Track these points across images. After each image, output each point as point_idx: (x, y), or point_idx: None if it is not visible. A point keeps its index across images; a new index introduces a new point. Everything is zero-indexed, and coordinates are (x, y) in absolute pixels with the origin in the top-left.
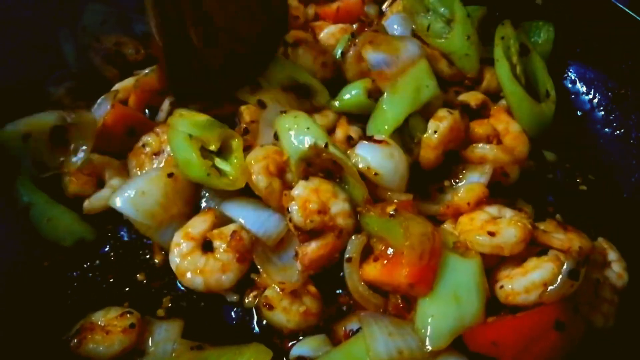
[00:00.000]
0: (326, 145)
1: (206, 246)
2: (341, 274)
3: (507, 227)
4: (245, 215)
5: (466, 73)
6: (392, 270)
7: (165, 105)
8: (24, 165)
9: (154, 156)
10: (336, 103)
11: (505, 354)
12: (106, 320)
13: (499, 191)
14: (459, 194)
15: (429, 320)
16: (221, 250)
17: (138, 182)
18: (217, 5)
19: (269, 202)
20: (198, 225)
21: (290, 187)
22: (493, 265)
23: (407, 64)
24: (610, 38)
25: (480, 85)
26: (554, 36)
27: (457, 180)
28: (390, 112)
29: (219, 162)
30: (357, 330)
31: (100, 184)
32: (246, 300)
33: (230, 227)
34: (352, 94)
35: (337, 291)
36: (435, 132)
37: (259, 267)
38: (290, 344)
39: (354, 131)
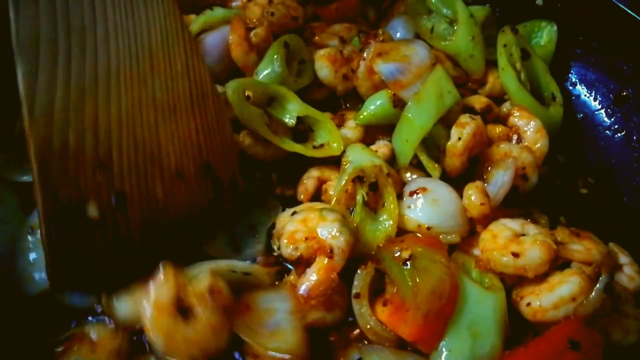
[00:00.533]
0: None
1: (183, 312)
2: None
3: (531, 247)
4: None
5: (472, 74)
6: (396, 322)
7: None
8: None
9: None
10: (361, 115)
11: None
12: (99, 336)
13: (511, 199)
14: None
15: (444, 354)
16: (204, 312)
17: None
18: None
19: None
20: (164, 292)
21: None
22: (514, 282)
23: (420, 68)
24: (610, 39)
25: (484, 87)
26: (556, 36)
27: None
28: (418, 120)
29: None
30: None
31: None
32: None
33: (202, 282)
34: (377, 105)
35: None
36: (459, 138)
37: (247, 339)
38: None
39: (384, 145)
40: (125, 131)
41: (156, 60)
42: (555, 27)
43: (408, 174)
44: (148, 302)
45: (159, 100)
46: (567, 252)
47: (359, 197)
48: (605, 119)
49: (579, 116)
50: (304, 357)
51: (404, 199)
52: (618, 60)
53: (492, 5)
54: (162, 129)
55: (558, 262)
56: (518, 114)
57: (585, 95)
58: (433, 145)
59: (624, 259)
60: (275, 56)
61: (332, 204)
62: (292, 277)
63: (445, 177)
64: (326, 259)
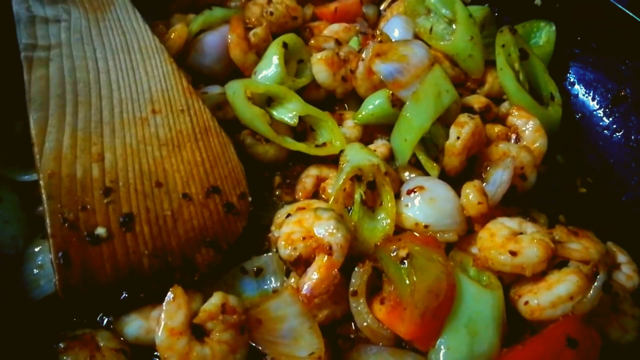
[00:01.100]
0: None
1: (196, 332)
2: None
3: (529, 245)
4: None
5: (471, 74)
6: (394, 320)
7: None
8: None
9: None
10: (360, 115)
11: None
12: (105, 345)
13: (510, 198)
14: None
15: (442, 352)
16: (218, 330)
17: None
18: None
19: None
20: (176, 315)
21: None
22: (512, 280)
23: (419, 68)
24: (609, 39)
25: (482, 87)
26: (555, 36)
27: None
28: (417, 119)
29: None
30: None
31: None
32: None
33: (214, 302)
34: (375, 104)
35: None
36: (458, 138)
37: (271, 355)
38: None
39: (382, 145)
40: (130, 162)
41: (157, 104)
42: (554, 27)
43: (406, 173)
44: (159, 325)
45: (162, 136)
46: (565, 250)
47: (357, 196)
48: (604, 119)
49: (577, 116)
50: (330, 356)
51: (402, 197)
52: (616, 61)
53: (491, 5)
54: (167, 161)
55: (556, 261)
56: (517, 113)
57: (583, 95)
58: (432, 144)
59: (622, 257)
60: (274, 56)
61: (330, 202)
62: (292, 280)
63: (444, 176)
64: (325, 256)
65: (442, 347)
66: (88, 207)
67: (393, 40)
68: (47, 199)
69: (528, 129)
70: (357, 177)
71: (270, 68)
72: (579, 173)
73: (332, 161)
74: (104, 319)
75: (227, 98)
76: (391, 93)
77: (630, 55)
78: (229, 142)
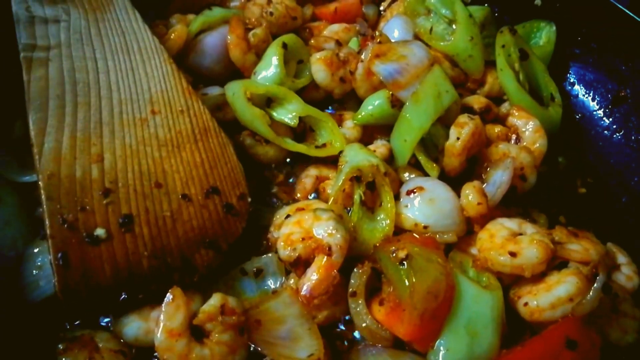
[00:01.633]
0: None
1: (195, 333)
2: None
3: (528, 246)
4: None
5: (471, 75)
6: (393, 321)
7: None
8: None
9: None
10: (359, 115)
11: None
12: (104, 346)
13: (510, 198)
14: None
15: (441, 353)
16: (217, 331)
17: None
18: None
19: None
20: (175, 316)
21: None
22: (511, 281)
23: (418, 68)
24: (609, 39)
25: (482, 88)
26: (555, 37)
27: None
28: (416, 120)
29: None
30: None
31: None
32: None
33: (213, 303)
34: (375, 105)
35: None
36: (458, 138)
37: (266, 354)
38: None
39: (382, 145)
40: (130, 163)
41: (157, 105)
42: (554, 28)
43: (406, 174)
44: (158, 326)
45: (161, 137)
46: (564, 251)
47: (356, 197)
48: (604, 119)
49: (577, 116)
50: (329, 357)
51: (401, 198)
52: (617, 61)
53: (491, 5)
54: (166, 161)
55: (556, 262)
56: (517, 114)
57: (583, 96)
58: (432, 145)
59: (622, 258)
60: (274, 56)
61: (330, 203)
62: (291, 281)
63: (444, 176)
64: (325, 257)
65: (441, 348)
66: (87, 208)
67: (393, 40)
68: (46, 200)
69: (528, 130)
70: (356, 178)
71: (269, 69)
72: (579, 173)
73: (332, 161)
74: (103, 320)
75: (227, 99)
76: (391, 94)
77: (630, 55)
78: (228, 143)
